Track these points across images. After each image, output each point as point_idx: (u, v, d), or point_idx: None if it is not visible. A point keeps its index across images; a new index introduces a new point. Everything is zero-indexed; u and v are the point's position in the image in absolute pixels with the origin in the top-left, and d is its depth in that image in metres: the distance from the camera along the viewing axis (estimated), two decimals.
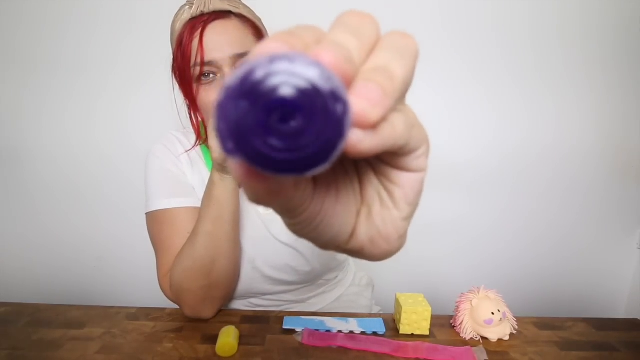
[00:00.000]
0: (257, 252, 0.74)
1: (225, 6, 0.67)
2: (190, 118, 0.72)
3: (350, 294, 0.87)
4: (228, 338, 0.65)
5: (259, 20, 0.73)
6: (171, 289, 0.70)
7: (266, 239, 0.74)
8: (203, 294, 0.69)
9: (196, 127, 0.73)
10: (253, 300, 0.80)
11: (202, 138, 0.75)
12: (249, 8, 0.71)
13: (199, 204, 0.70)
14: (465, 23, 1.15)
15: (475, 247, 1.27)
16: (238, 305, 0.81)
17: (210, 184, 0.66)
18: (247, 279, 0.75)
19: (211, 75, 0.67)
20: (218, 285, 0.69)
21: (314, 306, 0.82)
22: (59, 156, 1.20)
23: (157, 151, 0.76)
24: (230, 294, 0.74)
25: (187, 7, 0.68)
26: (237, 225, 0.69)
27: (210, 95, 0.67)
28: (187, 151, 0.77)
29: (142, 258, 1.24)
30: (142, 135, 1.18)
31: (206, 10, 0.66)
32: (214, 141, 0.62)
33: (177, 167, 0.75)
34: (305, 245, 0.73)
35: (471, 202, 1.24)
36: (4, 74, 1.15)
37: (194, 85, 0.67)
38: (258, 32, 0.70)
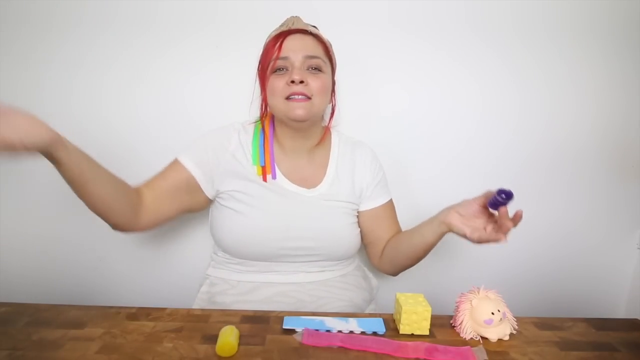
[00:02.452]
0: (292, 223, 0.88)
1: (306, 26, 0.89)
2: (260, 105, 0.94)
3: (355, 275, 0.98)
4: (228, 338, 0.65)
5: (330, 45, 0.93)
6: None
7: (300, 214, 0.89)
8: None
9: (262, 111, 0.94)
10: (277, 266, 0.89)
11: (264, 121, 0.94)
12: (324, 36, 0.92)
13: (202, 181, 0.88)
14: (464, 21, 1.15)
15: (475, 247, 1.26)
16: (264, 271, 0.89)
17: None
18: (281, 241, 0.87)
19: (284, 70, 0.86)
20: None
21: (326, 275, 0.92)
22: None
23: (219, 134, 0.93)
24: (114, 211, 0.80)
25: (279, 27, 0.91)
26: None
27: (279, 81, 0.85)
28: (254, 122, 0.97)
29: (142, 258, 1.24)
30: (143, 136, 1.19)
31: (292, 27, 0.88)
32: None
33: (218, 155, 0.90)
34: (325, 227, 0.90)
35: None
36: (3, 69, 1.15)
37: (269, 76, 0.87)
38: (327, 51, 0.91)
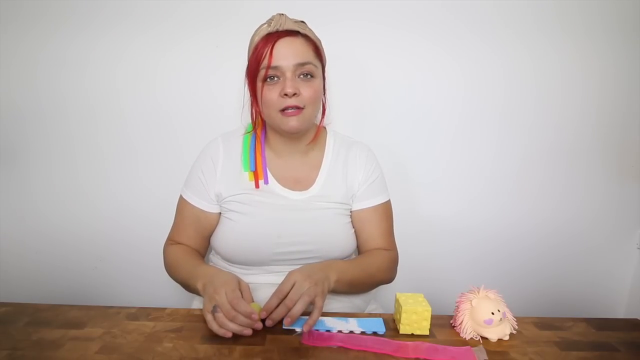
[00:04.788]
0: (284, 229, 0.88)
1: (295, 27, 0.85)
2: (251, 112, 0.93)
3: None
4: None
5: (319, 41, 0.90)
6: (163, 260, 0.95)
7: (292, 219, 0.89)
8: None
9: (253, 118, 0.93)
10: (274, 268, 0.89)
11: (256, 128, 0.93)
12: (313, 32, 0.89)
13: (206, 207, 0.92)
14: (462, 17, 1.15)
15: (475, 247, 1.27)
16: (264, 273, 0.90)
17: (196, 284, 0.80)
18: (274, 247, 0.87)
19: (275, 79, 0.84)
20: None
21: None
22: (60, 155, 1.20)
23: (206, 153, 0.95)
24: None
25: (266, 25, 0.86)
26: None
27: (272, 93, 0.84)
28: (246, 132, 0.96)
29: (142, 258, 1.24)
30: (142, 139, 1.19)
31: (280, 29, 0.84)
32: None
33: (208, 172, 0.93)
34: (318, 231, 0.90)
35: (471, 203, 1.24)
36: (7, 73, 1.15)
37: (259, 84, 0.85)
38: (317, 50, 0.88)
